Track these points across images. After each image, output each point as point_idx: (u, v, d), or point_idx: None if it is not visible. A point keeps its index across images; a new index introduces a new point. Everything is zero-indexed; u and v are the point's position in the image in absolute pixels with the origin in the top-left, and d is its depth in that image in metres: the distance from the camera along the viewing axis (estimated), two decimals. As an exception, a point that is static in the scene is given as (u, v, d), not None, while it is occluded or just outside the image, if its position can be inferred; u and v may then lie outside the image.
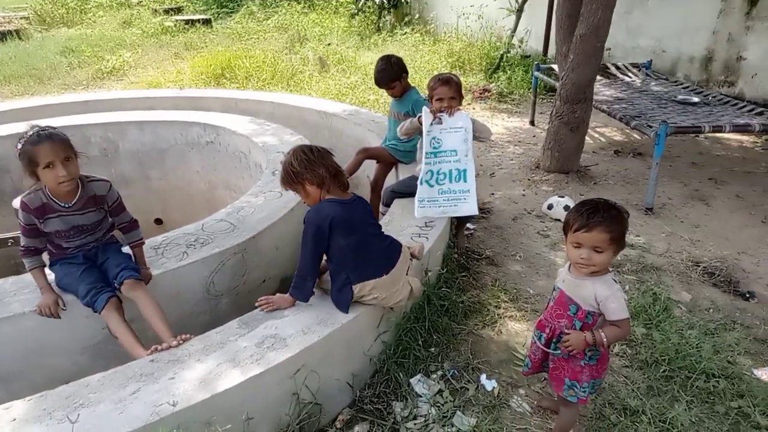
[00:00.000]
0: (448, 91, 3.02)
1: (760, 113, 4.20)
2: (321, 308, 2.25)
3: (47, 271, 2.31)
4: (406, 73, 3.62)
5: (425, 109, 3.04)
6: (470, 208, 2.99)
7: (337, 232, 2.13)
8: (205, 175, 4.86)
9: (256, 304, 2.23)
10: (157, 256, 2.59)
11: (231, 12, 14.45)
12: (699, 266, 3.18)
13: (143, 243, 2.50)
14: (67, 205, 2.22)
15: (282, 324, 2.15)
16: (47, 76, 8.98)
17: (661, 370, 2.36)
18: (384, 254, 2.27)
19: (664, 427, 2.10)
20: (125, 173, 4.75)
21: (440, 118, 2.98)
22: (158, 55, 10.15)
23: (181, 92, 5.92)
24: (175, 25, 12.28)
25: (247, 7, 13.81)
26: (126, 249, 2.47)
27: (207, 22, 13.04)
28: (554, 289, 1.95)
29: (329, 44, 10.07)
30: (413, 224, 2.98)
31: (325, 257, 2.25)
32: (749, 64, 6.33)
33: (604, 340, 1.78)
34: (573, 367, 1.91)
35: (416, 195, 3.04)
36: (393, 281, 2.23)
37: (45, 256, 2.35)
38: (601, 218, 1.69)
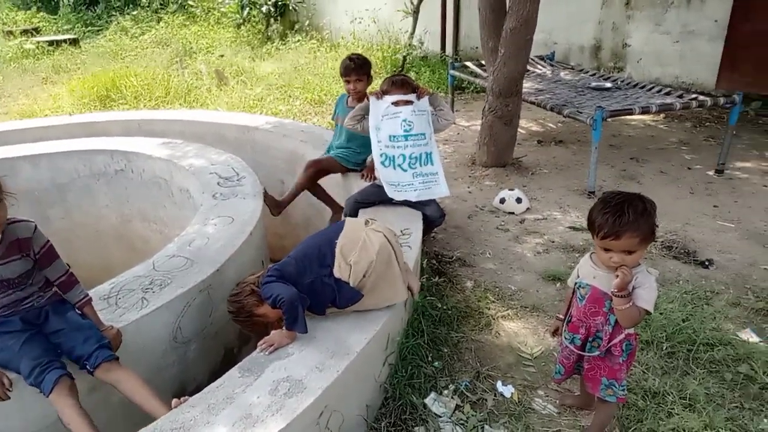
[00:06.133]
0: (404, 93, 2.98)
1: (668, 93, 4.52)
2: (325, 338, 2.01)
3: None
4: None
5: (372, 96, 3.00)
6: (442, 189, 3.00)
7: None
8: (117, 208, 4.31)
9: (258, 349, 1.93)
10: (110, 308, 2.17)
11: (99, 30, 13.26)
12: (657, 242, 3.32)
13: (90, 299, 2.07)
14: None
15: (291, 364, 1.88)
16: None
17: (663, 348, 2.40)
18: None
19: (686, 403, 2.12)
20: (20, 216, 4.07)
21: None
22: (24, 81, 9.02)
23: (71, 118, 5.23)
24: (38, 48, 11.02)
25: (118, 23, 12.75)
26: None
27: (74, 41, 11.86)
28: (580, 287, 1.86)
29: (222, 56, 9.54)
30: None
31: None
32: (634, 50, 6.89)
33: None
34: (611, 365, 1.84)
35: (383, 177, 2.97)
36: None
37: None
38: (628, 221, 1.61)
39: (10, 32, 12.68)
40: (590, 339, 1.85)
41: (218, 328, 2.53)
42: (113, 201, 4.30)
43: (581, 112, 4.03)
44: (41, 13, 14.94)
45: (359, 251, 2.09)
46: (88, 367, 1.85)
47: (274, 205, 3.54)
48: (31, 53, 10.78)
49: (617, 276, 1.67)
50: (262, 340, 1.96)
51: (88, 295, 2.05)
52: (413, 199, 2.97)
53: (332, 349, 1.94)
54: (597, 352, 1.84)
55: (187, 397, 1.75)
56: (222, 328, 2.56)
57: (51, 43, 11.42)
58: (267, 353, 1.92)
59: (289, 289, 2.00)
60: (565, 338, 1.92)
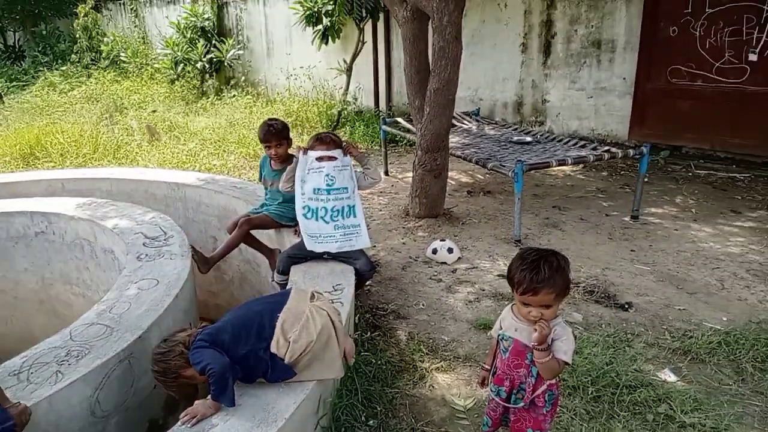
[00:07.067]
0: (327, 149, 3.12)
1: (583, 146, 4.84)
2: (252, 405, 1.95)
3: None
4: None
5: (300, 152, 3.11)
6: (364, 240, 3.12)
7: None
8: (37, 272, 4.09)
9: (180, 422, 1.85)
10: (21, 383, 2.04)
11: (25, 85, 12.83)
12: (579, 286, 3.47)
13: None
14: None
15: (216, 436, 1.81)
16: None
17: (589, 393, 2.48)
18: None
19: (611, 447, 2.18)
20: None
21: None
22: (-63, 137, 8.50)
23: (-13, 178, 4.97)
24: (-45, 103, 10.51)
25: (45, 78, 12.40)
26: None
27: (-4, 97, 11.39)
28: (503, 339, 1.92)
29: (154, 111, 9.43)
30: (322, 289, 2.79)
31: None
32: (553, 105, 7.37)
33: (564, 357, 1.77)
34: (536, 416, 1.89)
35: (304, 229, 3.07)
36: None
37: None
38: (545, 278, 1.70)
39: (-75, 87, 12.06)
40: (515, 391, 1.90)
41: (141, 398, 2.41)
42: (33, 264, 4.08)
43: (504, 165, 4.24)
44: (-38, 68, 14.34)
45: (300, 330, 2.07)
46: None
47: (203, 262, 3.46)
48: (-52, 109, 10.25)
49: (536, 330, 1.74)
50: (184, 412, 1.88)
51: None
52: (333, 251, 3.06)
53: (259, 417, 1.89)
54: (522, 404, 1.88)
55: None
56: (146, 399, 2.44)
57: (-30, 98, 10.93)
58: (189, 426, 1.84)
59: (220, 358, 1.94)
60: (491, 390, 1.96)
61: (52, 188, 4.86)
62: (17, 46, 15.57)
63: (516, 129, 5.85)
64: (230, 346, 2.03)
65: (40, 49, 14.72)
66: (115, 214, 3.81)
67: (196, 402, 1.92)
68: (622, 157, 4.78)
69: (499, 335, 1.94)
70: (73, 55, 13.68)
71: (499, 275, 3.67)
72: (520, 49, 7.52)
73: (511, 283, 1.79)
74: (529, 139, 5.23)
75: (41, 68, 13.38)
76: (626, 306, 3.26)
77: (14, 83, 13.09)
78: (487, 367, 2.06)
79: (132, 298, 2.68)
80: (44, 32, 15.26)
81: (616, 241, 4.23)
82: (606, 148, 4.72)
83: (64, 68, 13.01)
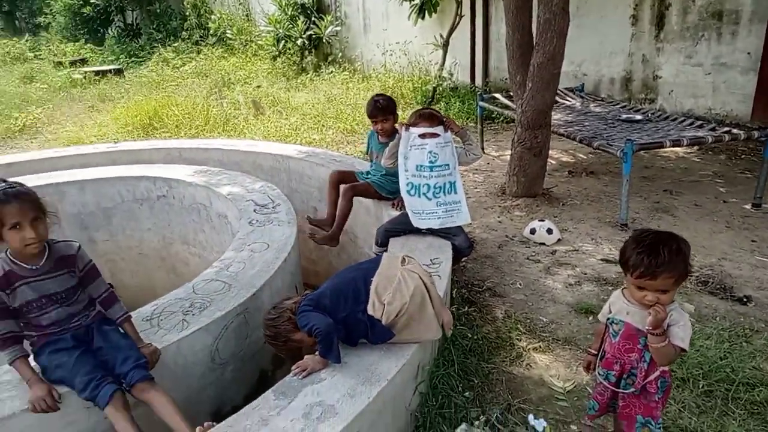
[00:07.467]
0: (430, 126, 3.08)
1: (700, 126, 4.50)
2: (357, 365, 2.05)
3: (32, 363, 1.94)
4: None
5: (402, 129, 3.10)
6: (464, 217, 3.10)
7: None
8: (159, 232, 4.47)
9: (292, 373, 1.99)
10: (153, 328, 2.26)
11: (142, 61, 13.88)
12: (692, 276, 3.27)
13: (130, 316, 2.18)
14: (34, 267, 1.93)
15: (323, 389, 1.92)
16: (-52, 138, 8.08)
17: (700, 386, 2.35)
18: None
19: (724, 443, 2.07)
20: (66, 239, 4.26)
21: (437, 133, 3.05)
22: (72, 109, 9.47)
23: (116, 146, 5.47)
24: (85, 77, 11.58)
25: (160, 54, 13.32)
26: None
27: (119, 72, 12.43)
28: (613, 323, 1.86)
29: (259, 86, 9.86)
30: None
31: None
32: (665, 81, 6.87)
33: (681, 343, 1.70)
34: (647, 402, 1.82)
35: (408, 206, 3.09)
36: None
37: (27, 346, 1.98)
38: (664, 261, 1.62)
39: (60, 63, 13.39)
40: (625, 376, 1.84)
41: (254, 350, 2.59)
42: (155, 225, 4.46)
43: (611, 145, 4.04)
44: (88, 45, 15.76)
45: (393, 292, 2.13)
46: (124, 385, 1.93)
47: (329, 239, 3.62)
48: (79, 83, 11.33)
49: (651, 314, 1.68)
50: (296, 365, 2.01)
51: (128, 312, 2.16)
52: (436, 227, 3.06)
53: (363, 376, 1.98)
54: (632, 389, 1.83)
55: (212, 422, 1.81)
56: (257, 351, 2.62)
57: (97, 73, 11.99)
58: (300, 377, 1.97)
59: (324, 319, 2.05)
60: (599, 374, 1.92)
61: (170, 156, 5.26)
62: (135, 24, 16.81)
63: (624, 106, 5.54)
64: (331, 309, 2.13)
65: (154, 26, 15.80)
66: (228, 182, 4.07)
67: (306, 356, 2.05)
68: (744, 140, 4.39)
69: (608, 319, 1.89)
70: (183, 32, 14.56)
71: (602, 259, 3.54)
72: (630, 21, 7.04)
73: (625, 266, 1.73)
74: (639, 117, 4.94)
75: (156, 45, 14.37)
76: (744, 299, 3.04)
77: (133, 59, 14.20)
78: (593, 351, 2.02)
79: (246, 259, 2.87)
80: (158, 10, 16.33)
81: (735, 230, 3.92)
82: (726, 129, 4.34)
83: (176, 45, 13.90)
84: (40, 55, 14.83)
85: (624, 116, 5.00)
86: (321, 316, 2.08)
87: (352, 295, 2.17)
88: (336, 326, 2.06)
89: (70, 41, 16.26)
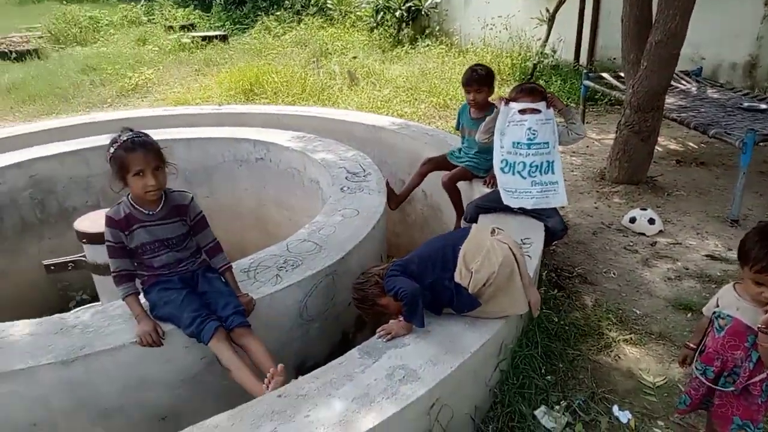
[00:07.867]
0: (532, 101, 2.94)
1: (838, 119, 4.04)
2: (440, 334, 2.07)
3: (142, 300, 2.13)
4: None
5: (501, 103, 2.99)
6: (561, 199, 2.95)
7: None
8: (255, 193, 4.68)
9: (377, 335, 2.04)
10: (249, 280, 2.40)
11: (246, 28, 14.41)
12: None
13: (231, 266, 2.32)
14: (151, 213, 2.10)
15: (406, 354, 1.96)
16: (71, 94, 8.86)
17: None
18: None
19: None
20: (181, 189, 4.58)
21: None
22: (179, 71, 10.05)
23: (220, 108, 5.76)
24: (193, 42, 12.22)
25: (263, 22, 13.76)
26: None
27: (224, 38, 12.98)
28: (719, 317, 1.75)
29: (355, 57, 9.96)
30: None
31: None
32: (798, 69, 6.20)
33: None
34: (747, 404, 1.71)
35: (500, 183, 2.98)
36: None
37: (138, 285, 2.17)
38: None
39: (171, 27, 14.20)
40: (725, 373, 1.73)
41: (339, 311, 2.68)
42: (252, 186, 4.67)
43: (730, 134, 3.72)
44: (197, 11, 16.56)
45: (482, 260, 2.11)
46: (224, 327, 2.07)
47: (392, 198, 3.66)
48: (187, 47, 11.96)
49: (766, 312, 1.56)
50: (381, 328, 2.06)
51: (230, 262, 2.31)
52: (529, 207, 2.94)
53: (446, 346, 1.99)
54: (732, 388, 1.72)
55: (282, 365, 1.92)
56: (341, 313, 2.71)
57: (204, 38, 12.60)
58: (385, 340, 2.01)
59: (411, 283, 2.08)
60: (696, 368, 1.81)
61: (269, 121, 5.45)
62: (240, -9, 17.40)
63: (747, 94, 5.07)
64: (417, 275, 2.15)
65: (258, -6, 16.27)
66: (322, 149, 4.18)
67: (391, 321, 2.09)
68: None
69: (714, 313, 1.77)
70: (286, 2, 14.92)
71: (707, 255, 3.31)
72: (763, 1, 6.36)
73: (745, 259, 1.61)
74: (763, 106, 4.51)
75: (259, 13, 14.83)
76: None
77: (237, 26, 14.77)
78: (692, 345, 1.90)
79: (337, 223, 2.95)
80: (263, -21, 16.76)
81: None
82: None
83: (278, 14, 14.29)
84: (153, 19, 15.80)
85: (746, 104, 4.58)
86: (408, 280, 2.10)
87: (440, 262, 2.18)
88: (423, 291, 2.08)
89: (180, 7, 17.17)
